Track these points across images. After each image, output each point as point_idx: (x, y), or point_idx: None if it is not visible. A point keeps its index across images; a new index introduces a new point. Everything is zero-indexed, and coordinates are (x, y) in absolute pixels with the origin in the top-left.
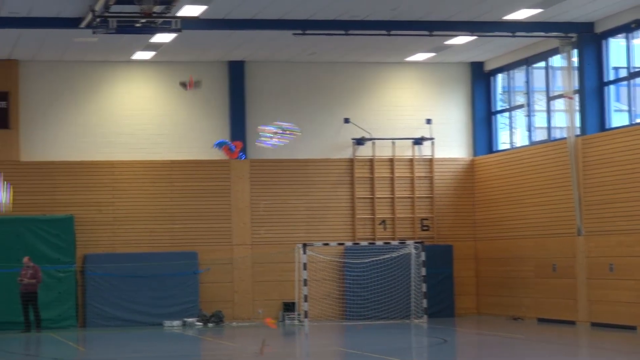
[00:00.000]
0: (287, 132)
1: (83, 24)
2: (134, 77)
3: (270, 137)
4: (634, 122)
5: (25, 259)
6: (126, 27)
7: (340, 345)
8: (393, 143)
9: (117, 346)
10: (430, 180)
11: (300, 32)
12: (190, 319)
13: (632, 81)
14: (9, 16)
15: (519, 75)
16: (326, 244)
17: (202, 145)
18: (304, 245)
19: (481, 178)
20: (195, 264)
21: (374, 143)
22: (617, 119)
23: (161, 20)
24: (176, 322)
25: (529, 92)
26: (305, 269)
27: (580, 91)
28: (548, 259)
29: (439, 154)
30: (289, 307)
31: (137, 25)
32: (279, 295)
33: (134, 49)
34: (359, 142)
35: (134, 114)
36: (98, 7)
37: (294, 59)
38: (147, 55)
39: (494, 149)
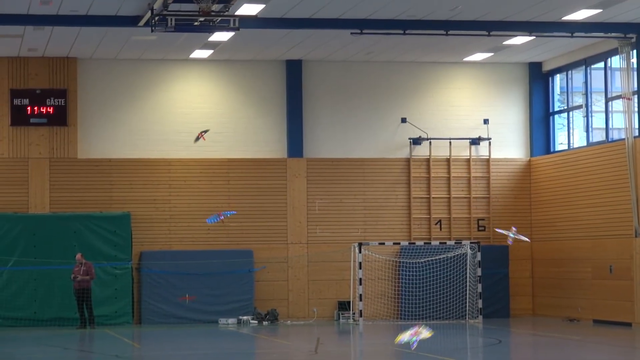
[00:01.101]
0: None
1: (142, 23)
2: (191, 76)
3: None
4: None
5: (78, 256)
6: (184, 25)
7: (394, 345)
8: (450, 143)
9: (172, 343)
10: (487, 180)
11: (358, 31)
12: (245, 317)
13: None
14: (68, 14)
15: (577, 75)
16: (382, 244)
17: (259, 143)
18: (360, 245)
19: (538, 179)
20: (250, 262)
21: (430, 143)
22: None
23: (219, 19)
24: (231, 320)
25: (587, 93)
26: (360, 268)
27: (639, 92)
28: (605, 260)
29: (496, 154)
30: (344, 306)
31: (196, 23)
32: (334, 294)
33: (192, 48)
34: (416, 141)
35: (191, 112)
36: (157, 5)
37: (351, 58)
38: (205, 53)
39: (552, 150)
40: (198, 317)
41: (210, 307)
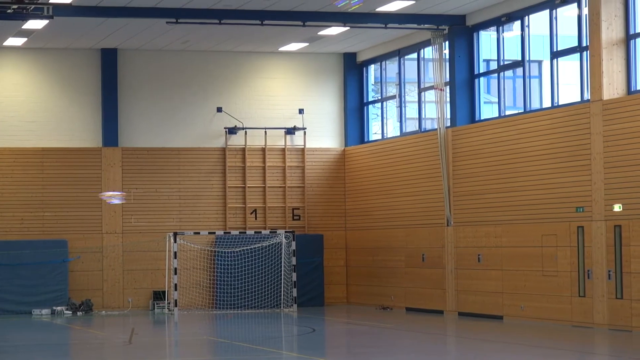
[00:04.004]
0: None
1: None
2: (5, 64)
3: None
4: (503, 115)
5: None
6: None
7: (209, 334)
8: (265, 132)
9: None
10: (302, 169)
11: (173, 20)
12: (59, 308)
13: (502, 74)
14: None
15: (391, 66)
16: (197, 233)
17: (74, 132)
18: (175, 234)
19: (352, 168)
20: (65, 252)
21: (246, 132)
22: (487, 111)
23: (33, 6)
24: (45, 311)
25: (400, 84)
26: (175, 257)
27: (451, 83)
28: (418, 249)
29: (311, 144)
30: (159, 295)
31: (9, 11)
32: (149, 284)
33: (5, 35)
34: (232, 131)
35: (4, 101)
36: None
37: (167, 48)
38: (18, 41)
39: (366, 140)
40: (10, 308)
41: (24, 297)
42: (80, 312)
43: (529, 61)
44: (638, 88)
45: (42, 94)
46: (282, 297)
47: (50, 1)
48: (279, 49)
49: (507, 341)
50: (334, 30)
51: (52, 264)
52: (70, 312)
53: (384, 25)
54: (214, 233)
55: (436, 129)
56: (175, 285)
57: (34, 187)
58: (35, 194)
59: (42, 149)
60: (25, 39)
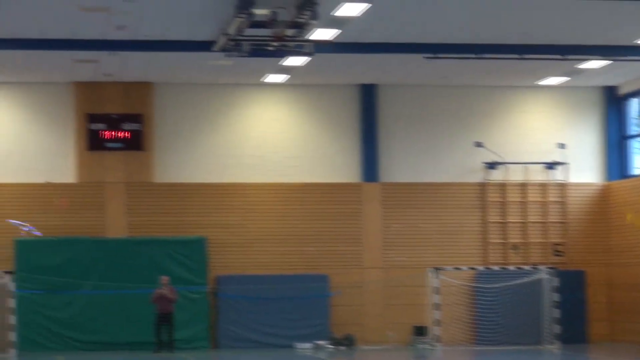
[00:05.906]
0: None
1: (216, 47)
2: (265, 100)
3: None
4: None
5: (165, 279)
6: (259, 50)
7: None
8: (525, 167)
9: None
10: (562, 205)
11: (431, 55)
12: (321, 342)
13: None
14: (144, 39)
15: None
16: (458, 269)
17: (334, 167)
18: (437, 270)
19: (615, 203)
20: (326, 286)
21: (506, 167)
22: None
23: (294, 43)
24: (307, 345)
25: None
26: (437, 293)
27: None
28: None
29: (571, 178)
30: (419, 331)
31: (270, 48)
32: (409, 319)
33: (266, 72)
34: (491, 166)
35: (266, 137)
36: (231, 30)
37: (425, 83)
38: (279, 78)
39: (628, 174)
40: (274, 342)
41: (286, 331)
42: (343, 347)
43: None
44: None
45: (302, 130)
46: (543, 333)
47: (310, 38)
48: (538, 83)
49: None
50: (595, 63)
51: (313, 298)
52: (332, 347)
53: None
54: (475, 269)
55: None
56: (437, 320)
57: (295, 221)
58: (295, 228)
59: (303, 185)
60: (285, 76)
